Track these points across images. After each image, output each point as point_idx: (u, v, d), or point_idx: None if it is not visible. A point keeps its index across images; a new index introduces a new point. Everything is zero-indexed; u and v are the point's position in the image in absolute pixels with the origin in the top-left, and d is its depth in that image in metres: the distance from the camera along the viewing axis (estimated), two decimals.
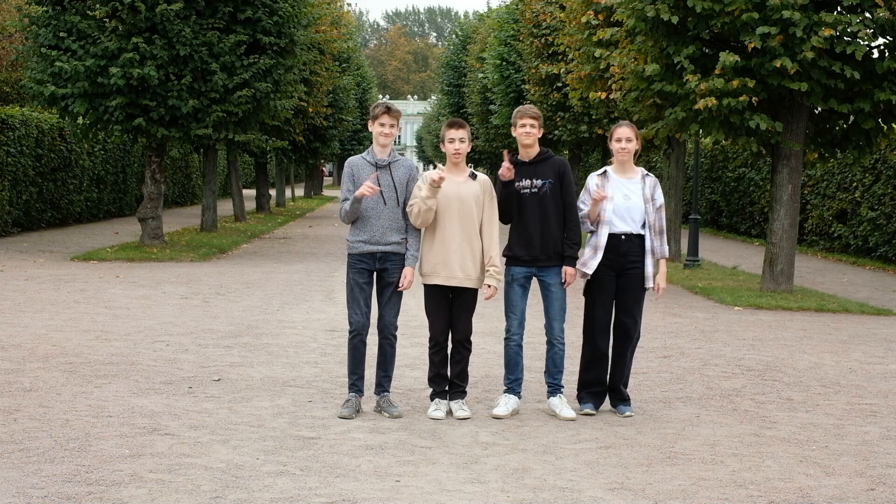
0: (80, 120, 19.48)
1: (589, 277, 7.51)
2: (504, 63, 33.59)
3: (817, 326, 12.45)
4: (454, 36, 59.85)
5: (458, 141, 7.32)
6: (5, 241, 20.81)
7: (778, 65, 13.23)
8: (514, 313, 7.44)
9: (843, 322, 12.97)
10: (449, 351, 7.43)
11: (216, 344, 9.99)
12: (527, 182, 7.39)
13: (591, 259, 7.48)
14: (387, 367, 7.42)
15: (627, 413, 7.51)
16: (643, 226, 7.51)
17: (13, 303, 12.43)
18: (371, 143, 7.55)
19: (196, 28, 18.38)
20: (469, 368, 7.53)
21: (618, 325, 7.64)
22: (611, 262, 7.47)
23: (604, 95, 17.83)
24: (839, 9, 13.97)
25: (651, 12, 13.79)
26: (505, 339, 7.50)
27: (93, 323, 11.02)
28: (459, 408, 7.33)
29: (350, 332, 7.36)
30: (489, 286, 7.33)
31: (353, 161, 7.40)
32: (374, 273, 7.36)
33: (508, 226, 7.58)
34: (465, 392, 7.48)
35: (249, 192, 45.05)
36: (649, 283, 7.51)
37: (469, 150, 7.47)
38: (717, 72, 13.54)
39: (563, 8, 21.39)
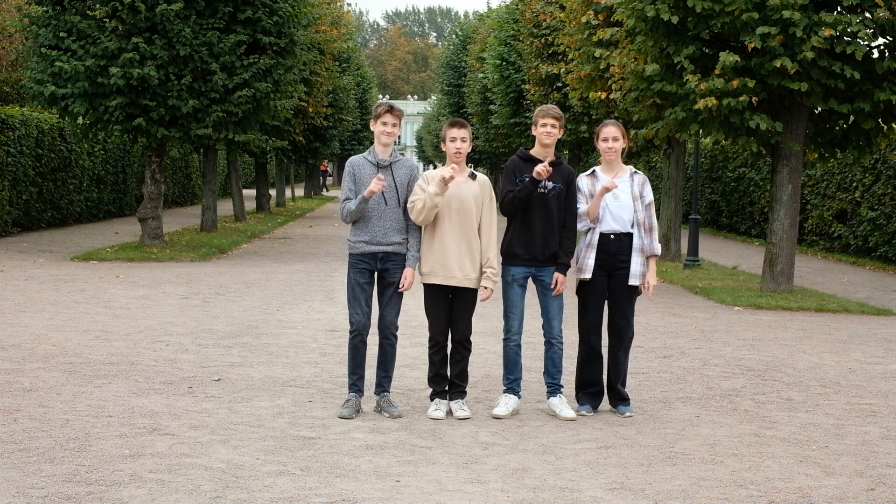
0: (80, 120, 19.48)
1: (585, 279, 7.51)
2: (504, 63, 33.58)
3: (817, 326, 12.45)
4: (454, 36, 59.84)
5: (459, 140, 7.32)
6: (5, 241, 20.81)
7: (778, 65, 13.24)
8: (514, 313, 7.44)
9: (843, 322, 12.97)
10: (449, 351, 7.44)
11: (216, 344, 9.99)
12: (539, 182, 7.40)
13: (586, 259, 7.47)
14: (387, 367, 7.42)
15: (627, 413, 7.51)
16: (632, 225, 7.51)
17: (13, 303, 12.43)
18: (371, 143, 7.55)
19: (196, 28, 18.39)
20: (469, 368, 7.53)
21: (610, 325, 7.66)
22: (601, 262, 7.48)
23: (604, 95, 17.83)
24: (839, 9, 13.97)
25: (651, 12, 13.80)
26: (504, 339, 7.51)
27: (93, 323, 11.02)
28: (459, 408, 7.33)
29: (351, 332, 7.36)
30: (485, 288, 7.34)
31: (354, 161, 7.40)
32: (375, 273, 7.36)
33: (505, 226, 7.57)
34: (465, 392, 7.48)
35: (249, 192, 45.06)
36: (634, 281, 7.48)
37: (469, 150, 7.47)
38: (717, 72, 13.54)
39: (563, 8, 21.39)
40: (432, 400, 7.42)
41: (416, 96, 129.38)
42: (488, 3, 68.69)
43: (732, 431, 7.15)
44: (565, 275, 7.44)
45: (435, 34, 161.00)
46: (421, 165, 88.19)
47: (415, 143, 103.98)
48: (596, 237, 7.46)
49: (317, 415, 7.28)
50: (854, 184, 22.16)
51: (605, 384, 7.70)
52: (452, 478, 5.90)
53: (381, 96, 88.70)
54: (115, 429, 6.72)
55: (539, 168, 7.25)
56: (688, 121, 14.46)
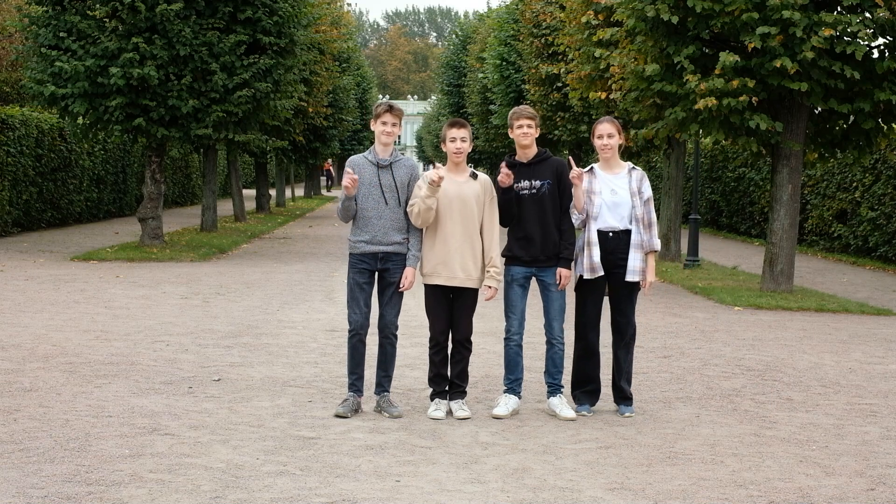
0: (80, 120, 19.48)
1: (591, 277, 7.48)
2: (504, 63, 33.59)
3: (817, 326, 12.45)
4: (454, 36, 59.84)
5: (459, 140, 7.32)
6: (5, 241, 20.81)
7: (778, 65, 13.23)
8: (514, 313, 7.44)
9: (843, 322, 12.97)
10: (449, 351, 7.43)
11: (216, 344, 9.99)
12: (525, 183, 7.39)
13: (592, 258, 7.45)
14: (387, 367, 7.42)
15: (627, 413, 7.51)
16: (631, 221, 7.49)
17: (13, 303, 12.43)
18: (371, 143, 7.56)
19: (196, 28, 18.39)
20: (469, 368, 7.53)
21: (612, 322, 7.66)
22: (600, 260, 7.46)
23: (604, 95, 17.83)
24: (839, 9, 13.97)
25: (651, 12, 13.79)
26: (505, 339, 7.50)
27: (93, 323, 11.02)
28: (459, 408, 7.33)
29: (349, 332, 7.36)
30: (489, 287, 7.34)
31: (354, 160, 7.41)
32: (376, 273, 7.36)
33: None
34: (465, 392, 7.48)
35: (249, 192, 45.06)
36: (632, 277, 7.46)
37: (470, 150, 7.47)
38: (717, 72, 13.54)
39: (563, 8, 21.38)
40: (432, 400, 7.42)
41: (416, 96, 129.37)
42: (488, 3, 68.77)
43: (732, 431, 7.15)
44: (569, 269, 7.43)
45: (435, 34, 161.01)
46: (421, 165, 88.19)
47: (415, 143, 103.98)
48: (594, 234, 7.44)
49: (317, 415, 7.28)
50: (854, 184, 22.16)
51: (601, 382, 7.69)
52: (452, 478, 5.90)
53: (381, 96, 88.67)
54: (115, 429, 6.72)
55: (500, 177, 7.27)
56: (688, 121, 14.46)
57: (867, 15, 13.83)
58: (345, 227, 27.45)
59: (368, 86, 56.91)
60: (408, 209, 7.28)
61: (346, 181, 7.16)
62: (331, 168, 69.61)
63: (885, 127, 14.78)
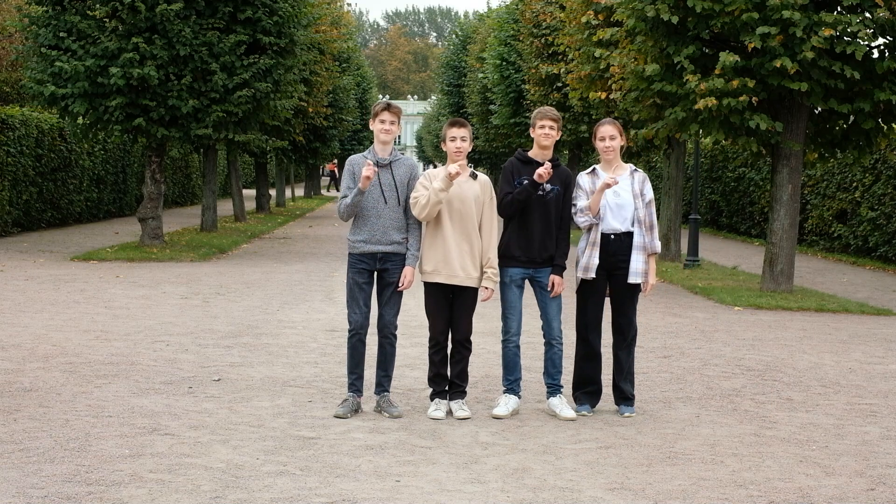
0: (80, 120, 19.48)
1: (585, 277, 7.50)
2: (504, 63, 33.57)
3: (817, 326, 12.45)
4: (454, 36, 59.80)
5: (459, 140, 7.33)
6: (5, 241, 20.81)
7: (778, 65, 13.23)
8: (512, 314, 7.44)
9: (843, 322, 12.97)
10: (449, 351, 7.44)
11: (216, 344, 9.99)
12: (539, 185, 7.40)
13: (591, 259, 7.46)
14: (387, 367, 7.43)
15: (627, 413, 7.51)
16: (633, 223, 7.50)
17: (13, 303, 12.43)
18: (371, 143, 7.57)
19: (196, 28, 18.39)
20: (469, 368, 7.54)
21: (613, 323, 7.66)
22: (602, 262, 7.47)
23: (604, 95, 17.83)
24: (839, 9, 13.97)
25: (651, 12, 13.79)
26: (503, 340, 7.51)
27: (93, 323, 11.02)
28: (459, 408, 7.33)
29: (349, 332, 7.37)
30: (486, 288, 7.34)
31: (354, 159, 7.42)
32: (375, 273, 7.37)
33: (503, 226, 7.57)
34: (465, 392, 7.48)
35: (249, 192, 45.06)
36: (635, 279, 7.47)
37: (470, 150, 7.48)
38: (717, 72, 13.54)
39: (563, 8, 21.38)
40: (432, 400, 7.42)
41: (416, 96, 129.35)
42: (488, 3, 68.57)
43: (732, 431, 7.15)
44: (562, 276, 7.45)
45: (435, 34, 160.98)
46: (421, 165, 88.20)
47: (415, 143, 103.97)
48: (598, 236, 7.45)
49: (317, 415, 7.28)
50: (854, 184, 22.16)
51: (601, 383, 7.70)
52: (452, 478, 5.90)
53: (381, 96, 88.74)
54: (115, 429, 6.72)
55: (540, 171, 7.25)
56: (688, 121, 14.46)
57: (867, 15, 13.83)
58: (345, 226, 27.45)
59: (368, 86, 56.92)
60: (411, 201, 7.26)
61: (367, 172, 7.12)
62: (335, 169, 69.49)
63: (885, 127, 14.78)
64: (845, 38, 13.66)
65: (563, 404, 7.45)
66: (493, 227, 7.40)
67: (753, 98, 13.63)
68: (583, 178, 7.59)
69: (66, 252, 19.26)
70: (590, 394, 7.64)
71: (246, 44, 18.99)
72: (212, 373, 8.62)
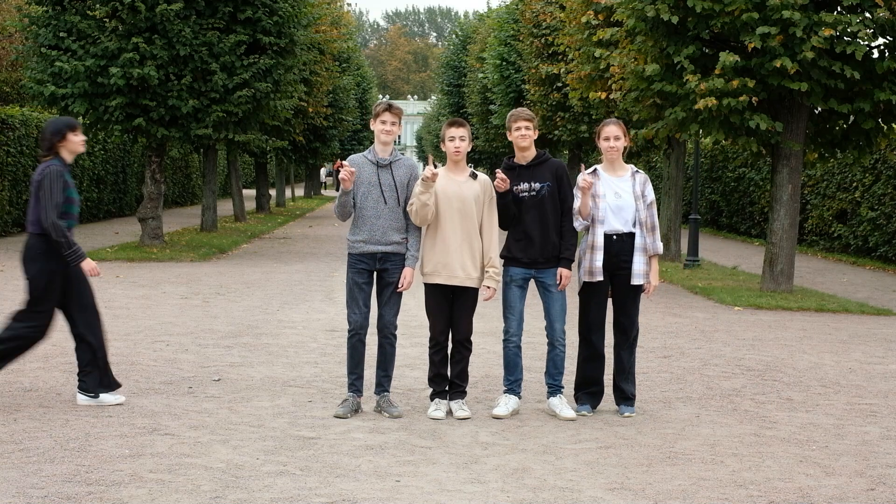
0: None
1: (590, 281, 7.49)
2: (504, 63, 33.59)
3: (817, 326, 12.45)
4: (454, 36, 59.82)
5: (458, 139, 7.32)
6: (5, 241, 20.81)
7: (778, 65, 13.24)
8: (513, 314, 7.43)
9: (843, 322, 12.97)
10: (449, 351, 7.43)
11: (216, 344, 9.99)
12: (525, 185, 7.38)
13: (594, 262, 7.45)
14: (387, 367, 7.43)
15: (627, 413, 7.51)
16: (634, 224, 7.50)
17: (13, 303, 12.40)
18: (371, 142, 7.57)
19: (196, 28, 18.39)
20: (469, 368, 7.53)
21: (615, 324, 7.66)
22: (604, 263, 7.47)
23: (604, 95, 17.83)
24: (839, 9, 13.97)
25: (651, 12, 13.79)
26: (504, 340, 7.50)
27: None
28: (459, 408, 7.33)
29: (349, 332, 7.36)
30: (488, 287, 7.34)
31: (353, 159, 7.41)
32: (374, 273, 7.36)
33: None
34: (465, 392, 7.48)
35: (249, 192, 45.08)
36: (637, 280, 7.47)
37: (469, 150, 7.48)
38: (717, 72, 13.54)
39: (563, 8, 21.38)
40: (432, 400, 7.42)
41: (416, 96, 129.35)
42: (488, 3, 68.63)
43: (732, 431, 7.15)
44: (569, 269, 7.43)
45: (435, 34, 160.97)
46: (421, 165, 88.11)
47: (415, 143, 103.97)
48: (600, 238, 7.45)
49: (317, 415, 7.28)
50: (854, 184, 22.16)
51: (604, 384, 7.70)
52: (452, 478, 5.90)
53: (381, 96, 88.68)
54: (115, 429, 6.72)
55: (496, 183, 7.27)
56: (688, 121, 14.46)
57: (867, 15, 13.84)
58: (344, 226, 27.44)
59: (368, 86, 56.92)
60: (407, 208, 7.28)
61: (343, 174, 7.16)
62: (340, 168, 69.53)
63: (885, 127, 14.79)
64: (845, 38, 13.67)
65: (563, 404, 7.45)
66: (494, 227, 7.39)
67: (753, 98, 13.63)
68: (581, 178, 7.58)
69: None
70: (592, 394, 7.64)
71: (246, 44, 19.00)
72: (212, 373, 8.62)
